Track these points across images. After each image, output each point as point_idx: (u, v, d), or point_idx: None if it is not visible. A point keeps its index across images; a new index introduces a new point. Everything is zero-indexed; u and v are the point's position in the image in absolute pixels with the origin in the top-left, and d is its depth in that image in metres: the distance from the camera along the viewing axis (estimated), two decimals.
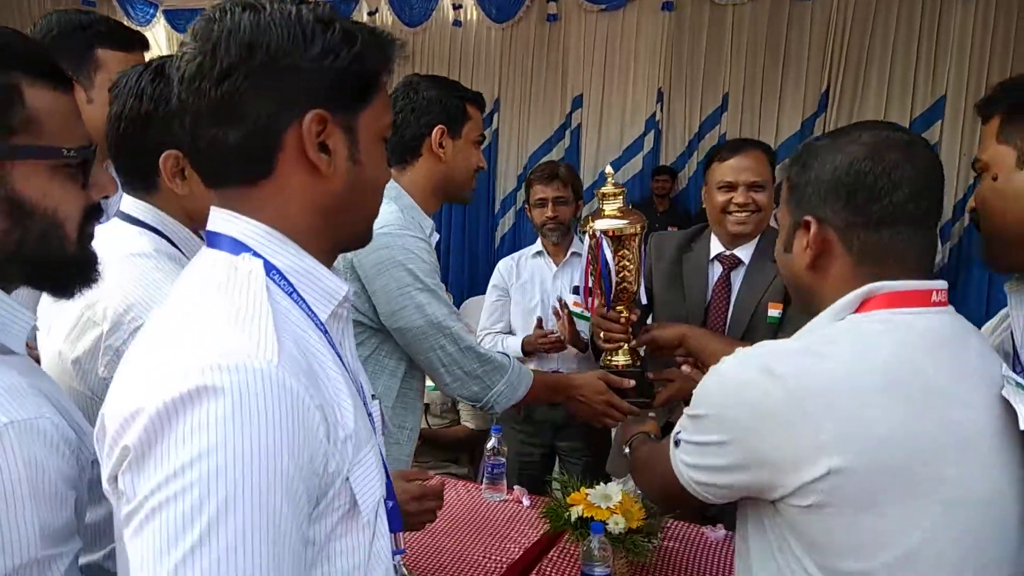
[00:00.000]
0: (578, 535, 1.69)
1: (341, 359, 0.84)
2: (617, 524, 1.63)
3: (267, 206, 0.81)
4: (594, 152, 6.76)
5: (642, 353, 1.86)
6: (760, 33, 6.07)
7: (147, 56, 1.57)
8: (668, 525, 1.85)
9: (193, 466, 0.65)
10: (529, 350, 2.75)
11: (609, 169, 1.83)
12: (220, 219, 0.83)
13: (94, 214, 0.90)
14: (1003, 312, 1.22)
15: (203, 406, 0.66)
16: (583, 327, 2.61)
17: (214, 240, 0.83)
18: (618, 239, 1.72)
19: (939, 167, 1.03)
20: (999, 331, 1.22)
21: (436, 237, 1.77)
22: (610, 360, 1.84)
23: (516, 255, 3.02)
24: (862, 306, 1.01)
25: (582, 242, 2.16)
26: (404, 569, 1.06)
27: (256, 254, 0.80)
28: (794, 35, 6.01)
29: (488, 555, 1.81)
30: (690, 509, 1.89)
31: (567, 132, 6.82)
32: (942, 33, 5.63)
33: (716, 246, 2.16)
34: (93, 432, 0.80)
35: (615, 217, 1.73)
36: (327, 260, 0.88)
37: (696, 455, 1.06)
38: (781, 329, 1.97)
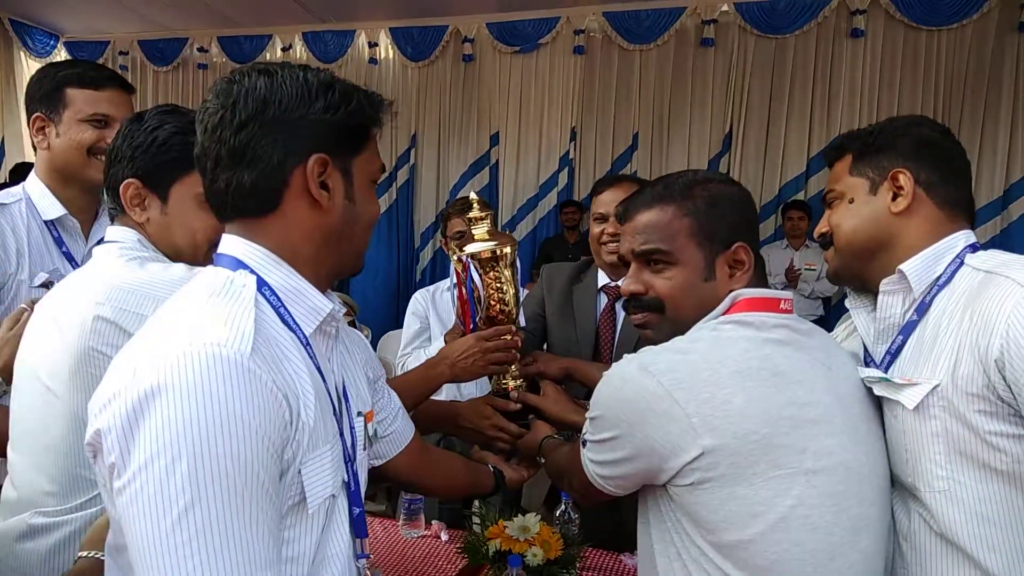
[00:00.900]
0: (496, 569, 1.68)
1: (320, 370, 0.96)
2: (535, 556, 1.63)
3: (273, 234, 0.95)
4: (512, 188, 6.84)
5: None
6: (666, 77, 6.31)
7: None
8: (586, 554, 1.86)
9: (172, 444, 0.76)
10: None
11: (474, 195, 1.84)
12: (228, 243, 0.97)
13: None
14: (846, 324, 1.48)
15: (177, 387, 0.77)
16: None
17: (219, 259, 0.97)
18: (489, 261, 1.74)
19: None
20: (845, 337, 1.46)
21: None
22: (501, 383, 1.85)
23: (432, 287, 3.02)
24: (728, 312, 1.19)
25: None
26: (368, 572, 1.05)
27: (252, 271, 0.93)
28: (699, 79, 6.27)
29: None
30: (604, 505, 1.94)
31: (487, 168, 6.90)
32: (834, 75, 5.96)
33: (603, 277, 2.23)
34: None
35: (484, 240, 1.76)
36: (322, 285, 1.01)
37: (598, 452, 1.20)
38: None
